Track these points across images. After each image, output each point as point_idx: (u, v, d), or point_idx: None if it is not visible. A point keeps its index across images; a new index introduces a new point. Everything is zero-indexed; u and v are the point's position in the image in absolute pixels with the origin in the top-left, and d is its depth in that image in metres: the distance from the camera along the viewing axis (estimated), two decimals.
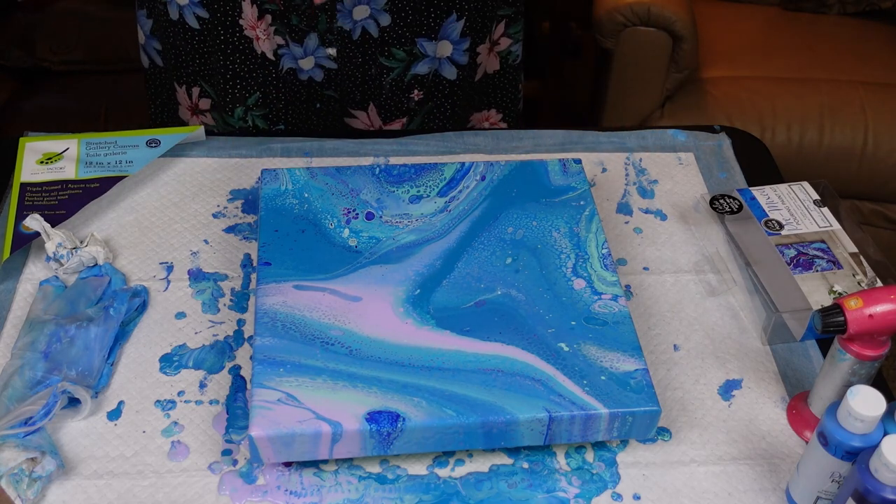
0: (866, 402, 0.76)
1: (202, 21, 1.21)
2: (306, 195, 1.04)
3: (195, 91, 1.30)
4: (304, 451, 0.84)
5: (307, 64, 1.24)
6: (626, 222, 1.14)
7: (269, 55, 1.23)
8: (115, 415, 0.91)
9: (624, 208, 1.16)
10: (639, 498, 0.87)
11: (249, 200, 1.14)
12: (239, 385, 0.94)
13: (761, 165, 1.25)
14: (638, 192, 1.18)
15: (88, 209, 1.10)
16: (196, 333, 0.98)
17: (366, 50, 1.22)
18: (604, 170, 1.21)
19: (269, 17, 1.19)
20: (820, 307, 0.86)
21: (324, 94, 1.27)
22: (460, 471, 0.88)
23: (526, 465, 0.89)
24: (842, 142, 1.92)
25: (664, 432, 0.93)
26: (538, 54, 2.42)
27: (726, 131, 1.28)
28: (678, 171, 1.22)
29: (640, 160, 1.23)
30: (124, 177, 1.11)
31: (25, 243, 1.03)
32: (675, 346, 1.00)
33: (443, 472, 0.88)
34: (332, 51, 1.22)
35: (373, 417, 0.83)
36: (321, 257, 0.97)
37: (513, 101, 1.40)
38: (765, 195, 1.12)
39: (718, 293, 1.06)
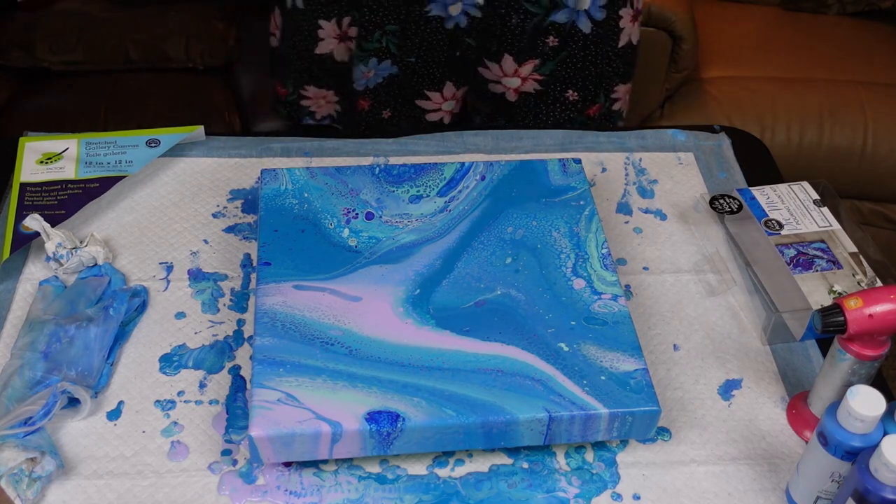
0: (866, 402, 0.76)
1: None
2: (306, 195, 1.04)
3: (345, 20, 1.34)
4: (304, 451, 0.83)
5: (455, 10, 1.28)
6: (626, 222, 1.14)
7: None
8: (114, 415, 0.91)
9: (624, 208, 1.16)
10: (639, 498, 0.87)
11: (249, 200, 1.14)
12: (239, 385, 0.94)
13: (761, 165, 1.25)
14: (638, 191, 1.18)
15: (88, 209, 1.10)
16: (196, 333, 0.98)
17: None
18: (604, 170, 1.21)
19: None
20: (820, 307, 0.86)
21: (464, 40, 1.31)
22: (460, 471, 0.88)
23: (526, 465, 0.89)
24: (842, 142, 1.91)
25: (664, 432, 0.93)
26: None
27: (726, 131, 1.28)
28: (678, 170, 1.22)
29: (640, 160, 1.23)
30: (124, 177, 1.11)
31: (25, 243, 1.03)
32: (674, 346, 1.00)
33: (443, 472, 0.88)
34: None
35: (373, 417, 0.83)
36: (321, 257, 0.97)
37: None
38: (765, 195, 1.12)
39: (718, 293, 1.06)
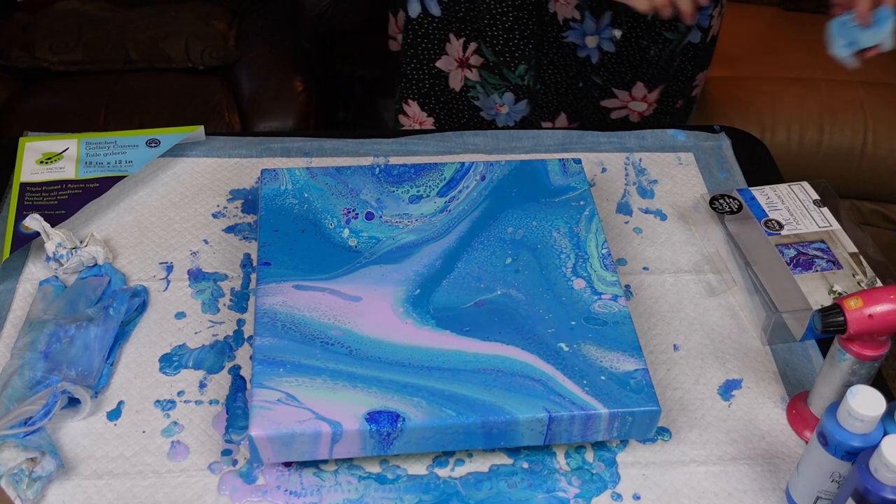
0: (866, 402, 0.76)
1: None
2: (306, 195, 1.04)
3: (471, 46, 1.33)
4: (304, 451, 0.83)
5: (591, 42, 1.29)
6: (626, 222, 1.14)
7: (560, 20, 1.28)
8: (114, 415, 0.91)
9: (624, 208, 1.16)
10: (639, 498, 0.87)
11: (249, 200, 1.14)
12: (239, 385, 0.94)
13: (761, 165, 1.25)
14: (638, 192, 1.18)
15: (88, 209, 1.10)
16: (196, 333, 0.98)
17: (653, 28, 1.27)
18: (604, 170, 1.21)
19: None
20: (820, 307, 0.86)
21: (590, 77, 1.32)
22: (460, 471, 0.88)
23: (526, 465, 0.89)
24: (842, 142, 1.91)
25: (664, 432, 0.93)
26: None
27: (726, 131, 1.28)
28: (678, 171, 1.22)
29: (640, 160, 1.23)
30: (124, 177, 1.11)
31: (25, 243, 1.03)
32: (674, 346, 1.00)
33: (443, 472, 0.88)
34: (617, 33, 1.27)
35: (373, 417, 0.83)
36: (321, 257, 0.97)
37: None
38: (765, 195, 1.12)
39: (718, 293, 1.06)
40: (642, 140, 1.26)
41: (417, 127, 1.43)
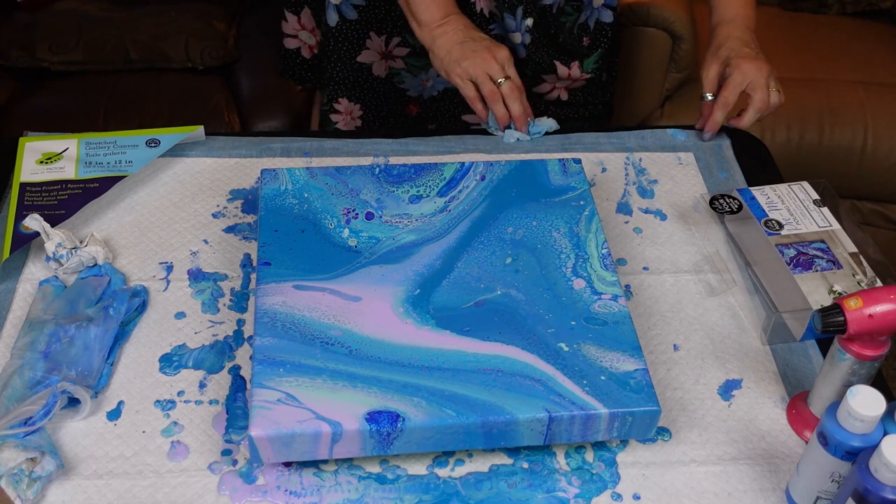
0: (866, 402, 0.76)
1: None
2: (306, 195, 1.04)
3: (394, 41, 1.37)
4: (303, 451, 0.83)
5: (516, 38, 1.33)
6: (626, 222, 1.14)
7: (486, 14, 1.32)
8: (114, 415, 0.91)
9: (624, 208, 1.16)
10: (639, 498, 0.87)
11: (249, 200, 1.14)
12: (239, 385, 0.94)
13: (761, 165, 1.25)
14: (638, 191, 1.18)
15: (88, 209, 1.10)
16: (196, 333, 0.98)
17: (556, 18, 1.34)
18: (604, 170, 1.21)
19: None
20: (820, 307, 0.86)
21: (524, 71, 1.36)
22: (460, 471, 0.88)
23: (526, 465, 0.89)
24: (842, 142, 1.91)
25: (664, 432, 0.93)
26: None
27: (726, 131, 1.28)
28: (678, 170, 1.22)
29: (640, 160, 1.23)
30: (124, 177, 1.11)
31: (25, 243, 1.03)
32: (675, 346, 1.00)
33: (443, 472, 0.88)
34: (529, 21, 1.31)
35: (373, 417, 0.83)
36: (321, 257, 0.97)
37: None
38: (765, 195, 1.12)
39: (718, 293, 1.06)
40: (642, 140, 1.26)
41: (349, 118, 1.49)
